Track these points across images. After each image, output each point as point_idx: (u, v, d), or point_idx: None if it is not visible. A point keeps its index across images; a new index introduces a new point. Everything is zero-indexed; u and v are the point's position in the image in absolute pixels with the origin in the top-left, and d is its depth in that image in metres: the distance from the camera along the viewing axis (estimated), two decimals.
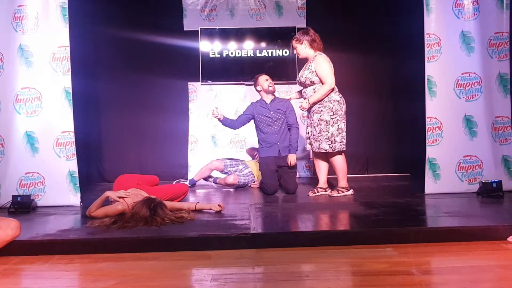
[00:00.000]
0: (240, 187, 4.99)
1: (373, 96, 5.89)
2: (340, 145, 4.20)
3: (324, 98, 4.17)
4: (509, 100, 4.26)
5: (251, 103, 4.85)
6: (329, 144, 4.19)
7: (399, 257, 2.68)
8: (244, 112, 4.85)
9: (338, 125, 4.19)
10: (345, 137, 4.23)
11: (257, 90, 4.77)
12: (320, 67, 4.17)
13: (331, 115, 4.17)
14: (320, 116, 4.20)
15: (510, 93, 4.25)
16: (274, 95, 4.73)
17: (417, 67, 4.45)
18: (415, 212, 3.59)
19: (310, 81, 4.22)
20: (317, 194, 4.33)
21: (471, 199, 4.00)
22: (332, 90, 4.18)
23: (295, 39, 4.35)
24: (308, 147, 4.40)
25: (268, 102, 4.70)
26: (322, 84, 4.16)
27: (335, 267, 2.56)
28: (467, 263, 2.60)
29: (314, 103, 4.20)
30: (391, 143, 5.94)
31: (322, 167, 4.40)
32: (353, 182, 4.76)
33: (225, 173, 5.08)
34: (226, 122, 4.75)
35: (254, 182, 5.06)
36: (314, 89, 4.22)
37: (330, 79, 4.13)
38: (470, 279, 2.33)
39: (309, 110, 4.30)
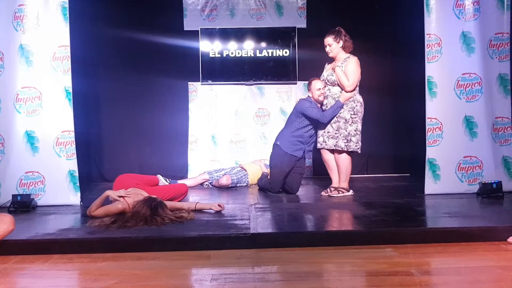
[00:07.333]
0: (235, 186, 5.00)
1: (374, 96, 5.85)
2: (356, 145, 4.20)
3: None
4: (509, 101, 4.25)
5: (309, 101, 4.40)
6: (345, 143, 4.18)
7: (399, 257, 2.68)
8: (314, 108, 4.34)
9: (357, 126, 4.20)
10: (360, 140, 4.22)
11: (308, 91, 4.52)
12: (350, 66, 4.16)
13: (351, 114, 4.18)
14: (340, 113, 4.19)
15: (511, 94, 4.25)
16: (321, 105, 4.39)
17: (417, 67, 4.45)
18: (415, 213, 3.59)
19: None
20: (331, 194, 4.28)
21: (471, 200, 4.00)
22: (353, 90, 4.18)
23: (333, 37, 4.20)
24: (320, 145, 4.33)
25: (318, 106, 4.42)
26: (341, 83, 4.16)
27: (335, 267, 2.57)
28: (467, 263, 2.60)
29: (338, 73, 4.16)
30: (391, 143, 5.93)
31: (332, 167, 4.37)
32: (353, 182, 4.76)
33: (215, 178, 5.08)
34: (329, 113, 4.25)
35: (247, 183, 5.07)
36: (340, 91, 4.22)
37: (352, 79, 4.12)
38: (469, 280, 2.34)
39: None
